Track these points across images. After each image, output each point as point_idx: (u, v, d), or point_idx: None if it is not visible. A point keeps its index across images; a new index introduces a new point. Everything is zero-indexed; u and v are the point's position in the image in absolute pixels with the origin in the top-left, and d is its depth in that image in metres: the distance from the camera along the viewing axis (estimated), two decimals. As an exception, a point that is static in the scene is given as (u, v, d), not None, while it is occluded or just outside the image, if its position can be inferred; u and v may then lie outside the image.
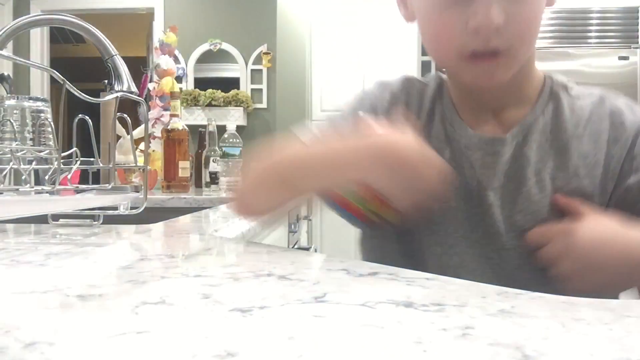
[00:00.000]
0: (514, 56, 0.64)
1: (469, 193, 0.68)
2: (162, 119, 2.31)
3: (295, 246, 2.10)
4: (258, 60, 4.27)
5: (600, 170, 0.66)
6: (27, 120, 1.11)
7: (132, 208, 0.89)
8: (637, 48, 3.84)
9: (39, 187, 0.79)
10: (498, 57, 0.62)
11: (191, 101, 4.06)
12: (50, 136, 1.10)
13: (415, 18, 0.70)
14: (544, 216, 0.65)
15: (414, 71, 4.01)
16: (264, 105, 4.28)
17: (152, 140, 2.30)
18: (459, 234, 0.68)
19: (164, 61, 2.33)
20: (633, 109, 0.69)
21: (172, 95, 2.04)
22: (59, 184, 0.81)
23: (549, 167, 0.67)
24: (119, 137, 2.32)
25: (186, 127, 1.98)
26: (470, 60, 0.62)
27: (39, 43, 4.38)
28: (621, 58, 3.83)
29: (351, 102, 0.81)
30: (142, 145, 2.41)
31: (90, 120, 0.87)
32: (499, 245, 0.67)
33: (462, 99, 0.72)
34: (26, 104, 1.11)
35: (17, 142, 1.06)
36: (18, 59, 0.70)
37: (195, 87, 4.18)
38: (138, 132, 2.36)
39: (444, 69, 0.74)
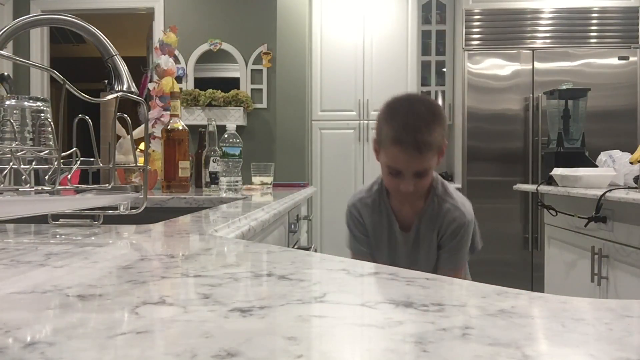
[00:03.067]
0: (416, 195, 1.37)
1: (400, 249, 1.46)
2: (162, 119, 2.31)
3: (295, 246, 2.10)
4: (258, 60, 4.27)
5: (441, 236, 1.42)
6: (27, 120, 1.11)
7: (132, 208, 0.89)
8: (637, 48, 3.84)
9: (39, 187, 0.79)
10: (410, 195, 1.34)
11: (191, 101, 4.07)
12: (50, 136, 1.10)
13: (378, 155, 1.39)
14: (432, 261, 1.44)
15: (415, 71, 4.01)
16: (264, 105, 4.28)
17: (152, 140, 2.30)
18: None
19: (164, 61, 2.33)
20: (462, 215, 1.40)
21: (172, 95, 2.04)
22: (59, 184, 0.81)
23: (431, 236, 1.42)
24: (119, 137, 2.33)
25: (186, 127, 1.98)
26: (400, 195, 1.37)
27: (39, 43, 4.38)
28: (621, 58, 3.83)
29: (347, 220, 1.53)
30: (142, 145, 2.42)
31: (90, 120, 0.87)
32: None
33: (394, 199, 1.43)
34: (26, 104, 1.11)
35: (17, 142, 1.06)
36: (18, 59, 0.70)
37: (195, 87, 4.19)
38: (138, 132, 2.36)
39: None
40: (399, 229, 1.42)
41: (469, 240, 1.42)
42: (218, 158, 1.97)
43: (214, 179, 2.02)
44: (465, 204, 1.41)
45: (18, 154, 0.88)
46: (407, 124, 1.27)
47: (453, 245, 1.39)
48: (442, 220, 1.39)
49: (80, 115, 0.86)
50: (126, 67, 0.92)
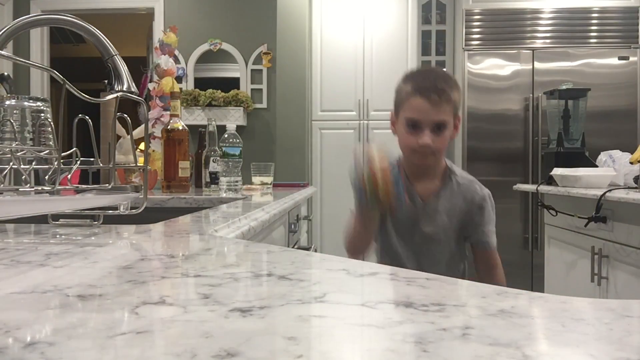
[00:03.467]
0: (435, 156, 1.35)
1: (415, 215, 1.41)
2: (162, 119, 2.31)
3: (295, 246, 2.10)
4: (258, 60, 4.27)
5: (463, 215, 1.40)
6: (27, 120, 1.11)
7: (132, 208, 0.89)
8: (637, 48, 3.84)
9: (39, 187, 0.79)
10: (426, 154, 1.33)
11: (191, 101, 4.07)
12: (50, 136, 1.10)
13: (396, 130, 1.39)
14: (446, 230, 1.40)
15: (414, 71, 4.01)
16: (264, 105, 4.28)
17: (152, 140, 2.30)
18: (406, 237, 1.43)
19: (164, 61, 2.33)
20: (479, 188, 1.42)
21: (172, 95, 2.04)
22: (59, 184, 0.81)
23: (447, 209, 1.39)
24: (119, 137, 2.33)
25: (186, 127, 1.98)
26: (418, 154, 1.33)
27: (39, 43, 4.38)
28: (621, 58, 3.83)
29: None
30: (142, 145, 2.42)
31: (90, 120, 0.87)
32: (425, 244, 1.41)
33: (411, 171, 1.41)
34: (26, 104, 1.11)
35: (17, 142, 1.06)
36: (18, 59, 0.70)
37: (195, 87, 4.18)
38: (138, 132, 2.36)
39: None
40: (420, 200, 1.38)
41: (494, 213, 1.43)
42: (218, 158, 1.97)
43: (214, 179, 2.02)
44: (476, 180, 1.44)
45: (18, 154, 0.88)
46: (427, 77, 1.34)
47: (484, 218, 1.40)
48: (464, 195, 1.38)
49: (80, 115, 0.86)
50: (126, 67, 0.92)
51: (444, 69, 1.48)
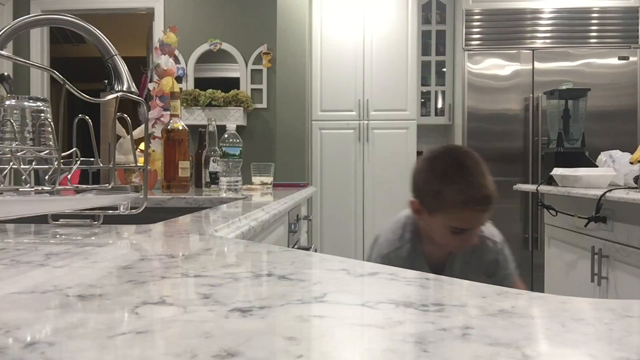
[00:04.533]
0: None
1: None
2: (162, 119, 2.31)
3: (295, 246, 2.10)
4: (258, 60, 4.27)
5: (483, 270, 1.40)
6: (27, 120, 1.11)
7: (132, 208, 0.89)
8: (637, 48, 3.84)
9: (39, 187, 0.79)
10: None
11: (191, 101, 4.07)
12: (50, 136, 1.10)
13: (427, 222, 1.33)
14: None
15: (415, 71, 4.01)
16: (264, 105, 4.28)
17: (152, 140, 2.30)
18: None
19: (164, 61, 2.33)
20: (492, 243, 1.41)
21: (172, 95, 2.04)
22: (59, 184, 0.81)
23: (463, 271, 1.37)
24: (119, 137, 2.33)
25: (186, 127, 1.98)
26: (455, 246, 1.33)
27: (39, 43, 4.38)
28: (621, 58, 3.83)
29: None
30: (142, 145, 2.42)
31: (90, 120, 0.87)
32: None
33: (430, 247, 1.37)
34: (26, 104, 1.11)
35: (17, 142, 1.06)
36: (18, 59, 0.70)
37: (195, 87, 4.18)
38: (138, 132, 2.36)
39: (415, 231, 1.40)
40: (427, 266, 1.37)
41: (511, 259, 1.41)
42: (218, 158, 1.97)
43: (214, 179, 2.02)
44: (489, 228, 1.41)
45: (18, 154, 0.88)
46: (471, 182, 1.23)
47: (501, 268, 1.39)
48: (478, 255, 1.37)
49: (80, 115, 0.86)
50: (126, 67, 0.92)
51: (464, 147, 1.40)
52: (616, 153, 2.49)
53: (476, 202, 1.22)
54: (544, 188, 2.57)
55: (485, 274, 1.38)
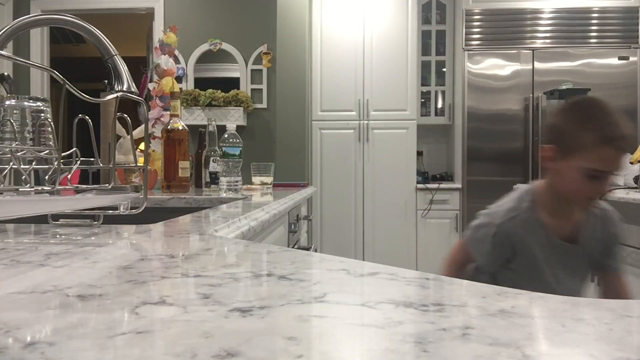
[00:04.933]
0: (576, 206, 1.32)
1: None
2: (162, 119, 2.31)
3: (295, 246, 2.10)
4: (258, 60, 4.27)
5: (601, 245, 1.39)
6: (27, 120, 1.11)
7: (132, 208, 0.89)
8: (637, 48, 3.84)
9: (39, 187, 0.79)
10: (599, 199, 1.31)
11: (191, 101, 4.07)
12: (50, 136, 1.10)
13: (558, 170, 1.29)
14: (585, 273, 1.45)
15: (415, 71, 4.01)
16: (264, 105, 4.28)
17: (152, 140, 2.30)
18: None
19: (164, 61, 2.33)
20: (615, 216, 1.41)
21: (172, 95, 2.04)
22: (59, 184, 0.81)
23: (585, 241, 1.36)
24: (119, 137, 2.32)
25: (186, 127, 1.98)
26: (590, 201, 1.29)
27: (39, 43, 4.38)
28: (621, 58, 3.83)
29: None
30: (142, 145, 2.42)
31: (90, 120, 0.87)
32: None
33: (555, 211, 1.34)
34: (26, 104, 1.11)
35: (17, 142, 1.06)
36: (18, 59, 0.70)
37: (195, 87, 4.18)
38: (138, 132, 2.36)
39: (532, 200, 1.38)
40: (560, 241, 1.33)
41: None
42: (218, 158, 1.97)
43: (214, 179, 2.02)
44: (609, 206, 1.42)
45: (18, 154, 0.88)
46: (612, 122, 1.22)
47: (617, 248, 1.39)
48: (602, 225, 1.36)
49: (80, 115, 0.86)
50: (126, 67, 0.92)
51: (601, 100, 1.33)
52: (616, 153, 2.49)
53: (615, 139, 1.20)
54: (544, 188, 2.57)
55: (605, 245, 1.37)
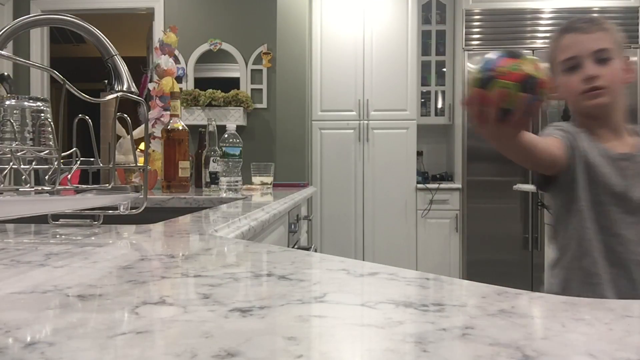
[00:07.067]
0: (607, 91, 1.16)
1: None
2: (162, 119, 2.31)
3: (295, 246, 2.10)
4: (258, 60, 4.27)
5: None
6: (27, 120, 1.11)
7: (132, 208, 0.89)
8: (637, 48, 3.84)
9: (39, 187, 0.79)
10: (598, 91, 1.15)
11: (191, 101, 4.07)
12: (50, 136, 1.10)
13: (560, 94, 1.23)
14: None
15: (415, 71, 4.01)
16: (264, 105, 4.28)
17: (152, 140, 2.30)
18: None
19: (164, 61, 2.33)
20: None
21: (172, 95, 2.04)
22: (59, 184, 0.81)
23: None
24: (119, 137, 2.32)
25: (186, 127, 1.98)
26: (586, 95, 1.16)
27: (39, 43, 4.38)
28: (621, 58, 3.83)
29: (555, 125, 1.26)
30: (142, 145, 2.41)
31: (90, 120, 0.87)
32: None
33: (592, 129, 1.21)
34: (26, 104, 1.11)
35: (17, 142, 1.06)
36: (18, 59, 0.70)
37: (195, 87, 4.18)
38: (138, 132, 2.36)
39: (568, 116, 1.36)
40: (615, 152, 1.17)
41: None
42: (218, 158, 1.97)
43: (214, 179, 2.02)
44: None
45: (18, 154, 0.88)
46: (573, 19, 1.23)
47: None
48: None
49: (80, 115, 0.86)
50: (126, 67, 0.92)
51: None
52: (616, 153, 2.49)
53: (574, 25, 1.18)
54: (544, 188, 2.57)
55: None
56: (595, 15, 1.22)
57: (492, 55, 0.78)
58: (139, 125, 2.50)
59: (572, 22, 1.20)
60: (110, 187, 0.84)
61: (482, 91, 0.76)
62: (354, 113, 4.03)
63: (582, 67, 1.15)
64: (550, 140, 1.14)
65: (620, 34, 1.24)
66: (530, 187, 2.81)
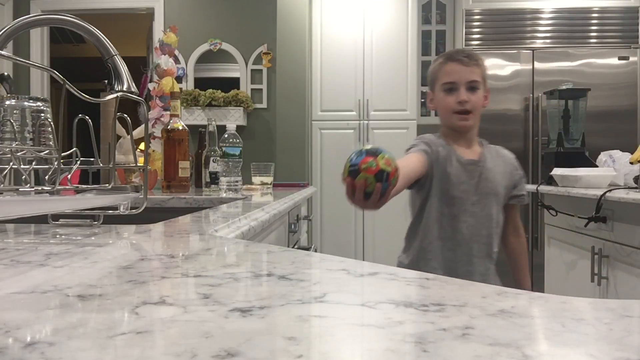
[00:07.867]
0: (473, 115, 1.48)
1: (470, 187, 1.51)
2: (162, 119, 2.31)
3: (295, 246, 2.10)
4: (258, 60, 4.27)
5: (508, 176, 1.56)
6: (27, 120, 1.11)
7: (132, 208, 0.89)
8: (637, 48, 3.84)
9: (39, 187, 0.79)
10: (467, 114, 1.47)
11: (191, 101, 4.06)
12: (50, 136, 1.10)
13: (435, 105, 1.55)
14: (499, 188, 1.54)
15: (415, 71, 4.01)
16: (264, 105, 4.28)
17: (152, 140, 2.30)
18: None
19: (164, 61, 2.33)
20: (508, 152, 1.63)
21: (172, 95, 2.04)
22: (59, 184, 0.81)
23: (494, 169, 1.53)
24: (119, 137, 2.32)
25: (186, 127, 1.98)
26: (457, 115, 1.47)
27: (39, 43, 4.38)
28: (621, 58, 3.83)
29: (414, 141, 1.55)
30: (142, 145, 2.41)
31: (90, 120, 0.87)
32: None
33: (453, 140, 1.52)
34: (26, 104, 1.11)
35: (17, 142, 1.06)
36: (18, 59, 0.70)
37: (195, 87, 4.18)
38: (138, 132, 2.36)
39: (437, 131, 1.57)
40: (465, 159, 1.48)
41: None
42: (218, 158, 1.97)
43: (214, 179, 2.02)
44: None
45: (18, 154, 0.88)
46: (456, 50, 1.57)
47: (521, 174, 1.58)
48: (502, 158, 1.56)
49: (80, 115, 0.86)
50: (126, 67, 0.92)
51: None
52: (616, 153, 2.49)
53: (456, 57, 1.48)
54: (544, 188, 2.57)
55: (510, 176, 1.55)
56: (473, 51, 1.60)
57: (357, 152, 1.04)
58: (139, 125, 2.50)
59: (456, 53, 1.50)
60: (110, 187, 0.84)
61: (351, 180, 1.03)
62: (354, 113, 4.03)
63: (457, 91, 1.46)
64: (413, 158, 1.43)
65: (486, 67, 1.54)
66: (530, 187, 2.81)
